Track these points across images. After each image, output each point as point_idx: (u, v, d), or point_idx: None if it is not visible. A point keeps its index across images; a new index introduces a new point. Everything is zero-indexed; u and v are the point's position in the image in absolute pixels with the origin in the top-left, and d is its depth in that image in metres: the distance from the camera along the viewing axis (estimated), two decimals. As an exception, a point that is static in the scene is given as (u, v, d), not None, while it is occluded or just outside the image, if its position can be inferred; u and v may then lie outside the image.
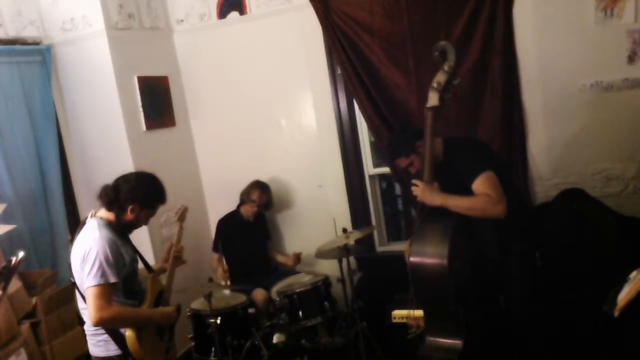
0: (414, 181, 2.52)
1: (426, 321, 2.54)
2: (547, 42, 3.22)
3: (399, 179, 3.70)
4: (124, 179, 2.44)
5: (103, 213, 2.44)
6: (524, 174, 3.33)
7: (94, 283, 2.24)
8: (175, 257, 2.78)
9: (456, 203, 2.42)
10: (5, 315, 2.85)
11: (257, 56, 4.00)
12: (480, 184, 2.41)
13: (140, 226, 2.53)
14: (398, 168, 2.79)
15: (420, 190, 2.47)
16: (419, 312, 2.63)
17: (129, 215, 2.42)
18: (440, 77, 2.40)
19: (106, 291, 2.26)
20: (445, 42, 2.44)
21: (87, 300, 2.29)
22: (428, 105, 2.41)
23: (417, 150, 2.56)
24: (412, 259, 2.39)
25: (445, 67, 2.40)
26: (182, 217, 2.93)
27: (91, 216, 2.44)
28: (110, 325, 2.33)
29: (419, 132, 2.53)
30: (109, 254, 2.27)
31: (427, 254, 2.36)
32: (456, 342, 2.39)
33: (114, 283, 2.28)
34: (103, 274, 2.24)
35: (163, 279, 2.70)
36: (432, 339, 2.47)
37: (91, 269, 2.25)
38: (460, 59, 2.49)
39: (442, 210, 2.43)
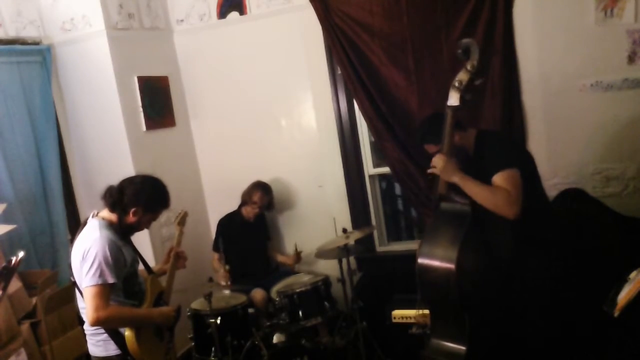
0: (437, 155, 2.44)
1: (431, 322, 2.53)
2: (547, 42, 3.22)
3: (399, 179, 3.70)
4: (129, 182, 2.44)
5: (105, 213, 2.44)
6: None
7: (92, 283, 2.24)
8: (176, 260, 2.77)
9: (473, 187, 2.34)
10: (5, 315, 2.85)
11: (257, 56, 4.00)
12: (502, 178, 2.32)
13: (141, 229, 2.53)
14: (426, 153, 2.71)
15: (443, 162, 2.38)
16: (428, 311, 2.62)
17: (131, 218, 2.42)
18: (462, 76, 2.32)
19: (104, 291, 2.26)
20: (470, 39, 2.36)
21: (84, 299, 2.29)
22: (448, 104, 2.35)
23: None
24: (419, 260, 2.36)
25: (468, 66, 2.31)
26: (182, 221, 2.93)
27: (93, 216, 2.44)
28: (107, 325, 2.33)
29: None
30: (109, 255, 2.27)
31: (435, 256, 2.32)
32: (460, 348, 2.36)
33: (112, 284, 2.28)
34: (101, 274, 2.25)
35: (163, 280, 2.70)
36: (436, 341, 2.45)
37: (90, 268, 2.25)
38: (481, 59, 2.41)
39: (456, 211, 2.39)
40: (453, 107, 2.35)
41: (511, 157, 2.43)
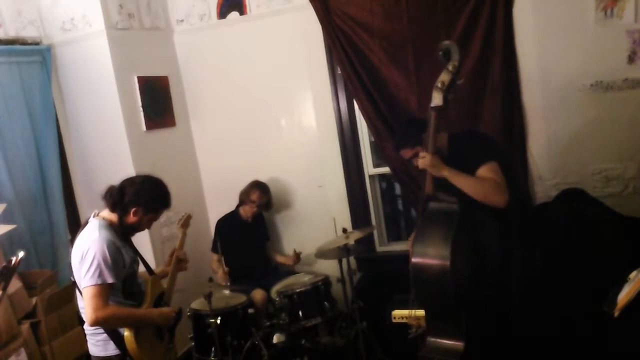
0: (420, 153, 2.48)
1: (427, 322, 2.53)
2: (547, 42, 3.22)
3: (399, 179, 3.70)
4: (130, 182, 2.44)
5: (106, 214, 2.44)
6: (524, 174, 3.34)
7: (91, 283, 2.24)
8: (178, 262, 2.77)
9: (462, 179, 2.40)
10: (5, 315, 2.85)
11: (257, 56, 4.00)
12: (486, 170, 2.41)
13: (142, 229, 2.52)
14: (403, 159, 2.77)
15: (429, 159, 2.42)
16: (421, 312, 2.63)
17: (131, 218, 2.42)
18: (444, 77, 2.37)
19: (103, 291, 2.26)
20: (449, 41, 2.42)
21: (84, 299, 2.30)
22: (432, 105, 2.39)
23: (423, 141, 2.54)
24: (413, 259, 2.38)
25: (450, 67, 2.37)
26: (185, 224, 2.92)
27: (94, 216, 2.44)
28: (106, 325, 2.33)
29: (426, 124, 2.50)
30: (107, 255, 2.27)
31: (429, 255, 2.34)
32: (457, 344, 2.38)
33: (111, 284, 2.28)
34: (100, 275, 2.25)
35: (165, 282, 2.70)
36: (433, 339, 2.46)
37: (88, 269, 2.25)
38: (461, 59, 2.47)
39: (445, 210, 2.41)
40: (437, 108, 2.38)
41: (489, 151, 2.52)
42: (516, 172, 2.76)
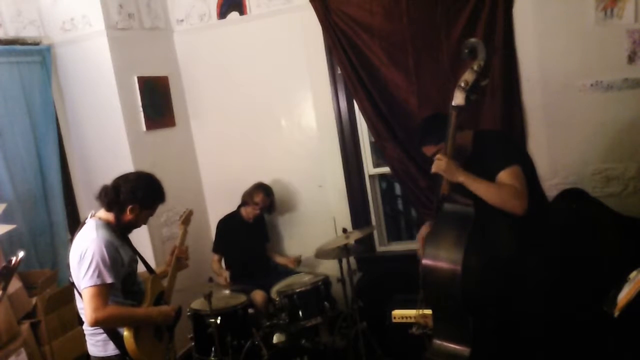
0: (437, 156, 2.41)
1: (434, 324, 2.51)
2: (547, 42, 3.22)
3: (399, 179, 3.70)
4: (123, 179, 2.44)
5: (102, 213, 2.43)
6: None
7: (91, 284, 2.24)
8: (178, 260, 2.76)
9: (479, 185, 2.33)
10: (5, 315, 2.85)
11: (257, 56, 4.00)
12: (507, 175, 2.33)
13: (140, 226, 2.52)
14: (425, 155, 2.69)
15: (445, 163, 2.35)
16: (428, 310, 2.61)
17: (128, 216, 2.42)
18: (468, 76, 2.29)
19: (102, 292, 2.25)
20: (475, 39, 2.33)
21: (83, 300, 2.29)
22: (453, 104, 2.33)
23: (446, 138, 2.45)
24: (424, 261, 2.34)
25: (475, 67, 2.29)
26: (186, 220, 2.90)
27: (90, 216, 2.44)
28: (106, 325, 2.33)
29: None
30: (106, 255, 2.27)
31: (440, 258, 2.30)
32: (463, 349, 2.35)
33: (110, 284, 2.27)
34: (99, 275, 2.24)
35: (165, 281, 2.69)
36: (438, 342, 2.43)
37: (87, 269, 2.25)
38: (487, 58, 2.38)
39: (460, 213, 2.36)
40: (458, 107, 2.32)
41: (513, 154, 2.44)
42: (537, 175, 2.69)
